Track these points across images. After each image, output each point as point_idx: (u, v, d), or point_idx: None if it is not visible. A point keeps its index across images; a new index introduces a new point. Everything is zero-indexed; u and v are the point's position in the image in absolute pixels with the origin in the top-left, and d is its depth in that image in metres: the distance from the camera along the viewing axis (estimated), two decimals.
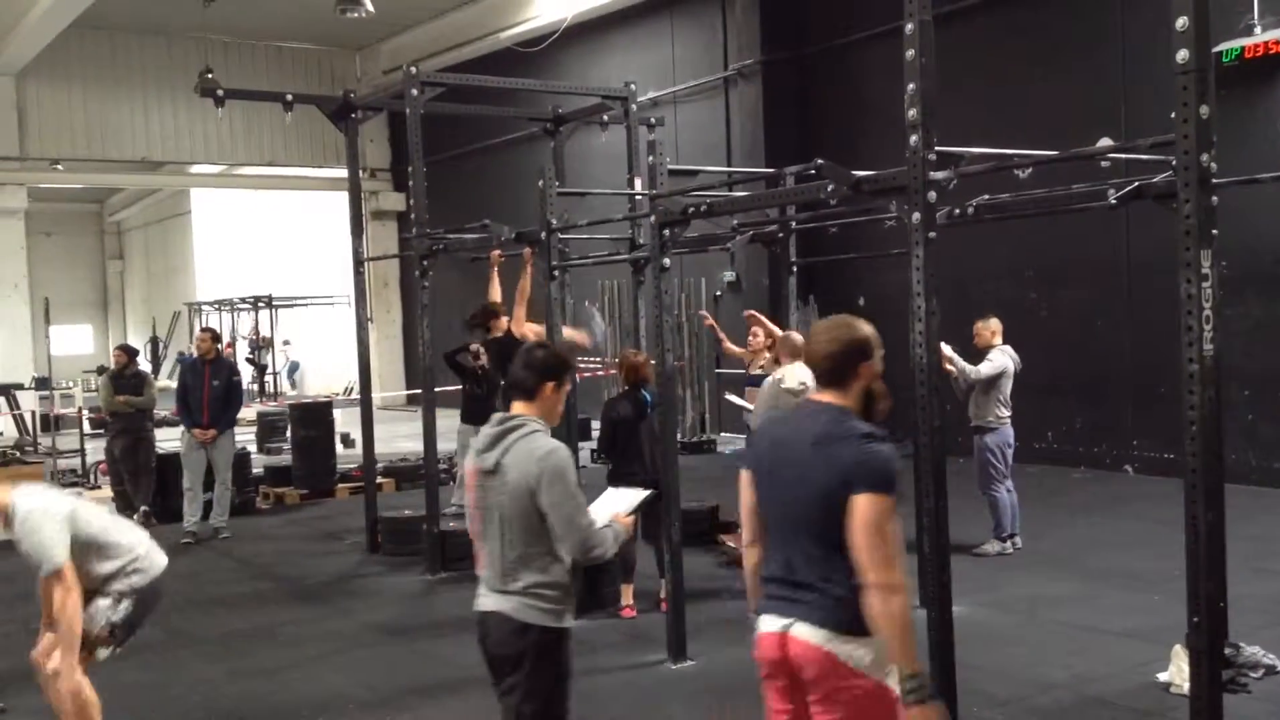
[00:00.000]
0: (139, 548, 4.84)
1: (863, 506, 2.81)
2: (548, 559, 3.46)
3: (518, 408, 3.60)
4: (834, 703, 2.87)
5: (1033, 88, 11.75)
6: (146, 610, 4.85)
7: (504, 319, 8.47)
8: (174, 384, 11.12)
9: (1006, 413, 8.09)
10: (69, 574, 4.50)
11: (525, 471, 3.42)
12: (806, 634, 2.91)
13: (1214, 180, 3.71)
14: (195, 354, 10.69)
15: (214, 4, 18.76)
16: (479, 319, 8.89)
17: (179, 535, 10.20)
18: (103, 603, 4.67)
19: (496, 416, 3.65)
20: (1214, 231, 3.71)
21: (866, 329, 3.09)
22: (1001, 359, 8.02)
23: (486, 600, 3.57)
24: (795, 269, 8.53)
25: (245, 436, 15.79)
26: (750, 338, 8.64)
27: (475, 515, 3.61)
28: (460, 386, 10.11)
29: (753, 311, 8.98)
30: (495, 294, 8.78)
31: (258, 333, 26.07)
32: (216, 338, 10.84)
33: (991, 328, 8.28)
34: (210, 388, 10.05)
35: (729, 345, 9.43)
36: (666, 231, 5.92)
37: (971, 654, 5.26)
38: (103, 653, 4.73)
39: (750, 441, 3.52)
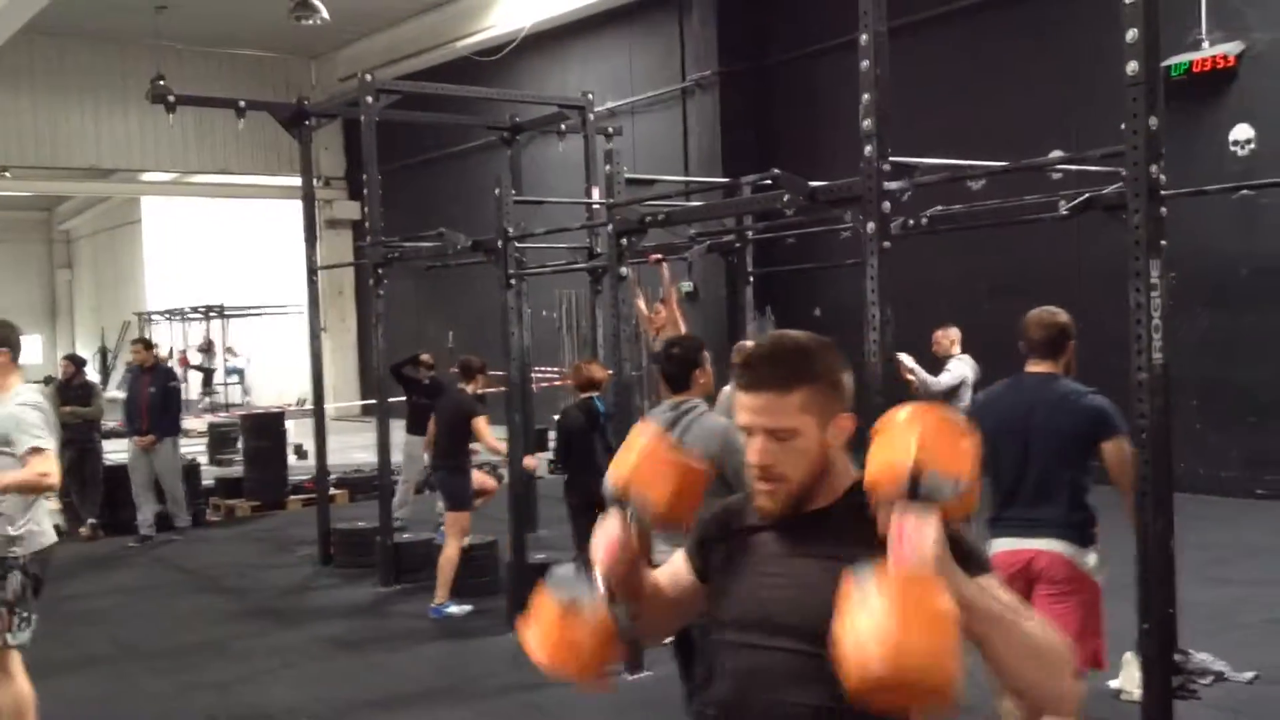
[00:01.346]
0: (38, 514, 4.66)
1: (1116, 448, 3.85)
2: None
3: (678, 397, 4.20)
4: (1068, 596, 3.81)
5: (986, 100, 11.88)
6: (40, 581, 4.61)
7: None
8: (122, 395, 11.12)
9: None
10: (54, 461, 4.42)
11: (707, 446, 3.83)
12: (1058, 548, 3.86)
13: (1163, 191, 3.75)
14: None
15: (166, 10, 18.56)
16: (463, 371, 8.45)
17: (125, 547, 10.11)
18: None
19: (668, 403, 4.25)
20: (1163, 242, 3.75)
21: (1066, 316, 4.18)
22: (961, 368, 8.04)
23: None
24: (752, 279, 8.55)
25: (196, 448, 15.63)
26: (653, 314, 8.75)
27: None
28: (405, 398, 10.02)
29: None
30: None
31: (208, 343, 25.79)
32: (149, 346, 10.96)
33: (951, 336, 8.32)
34: (148, 395, 10.28)
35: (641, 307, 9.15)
36: (624, 240, 5.92)
37: None
38: (17, 636, 4.50)
39: (975, 411, 4.31)
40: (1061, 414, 3.94)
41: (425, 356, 9.90)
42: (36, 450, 4.37)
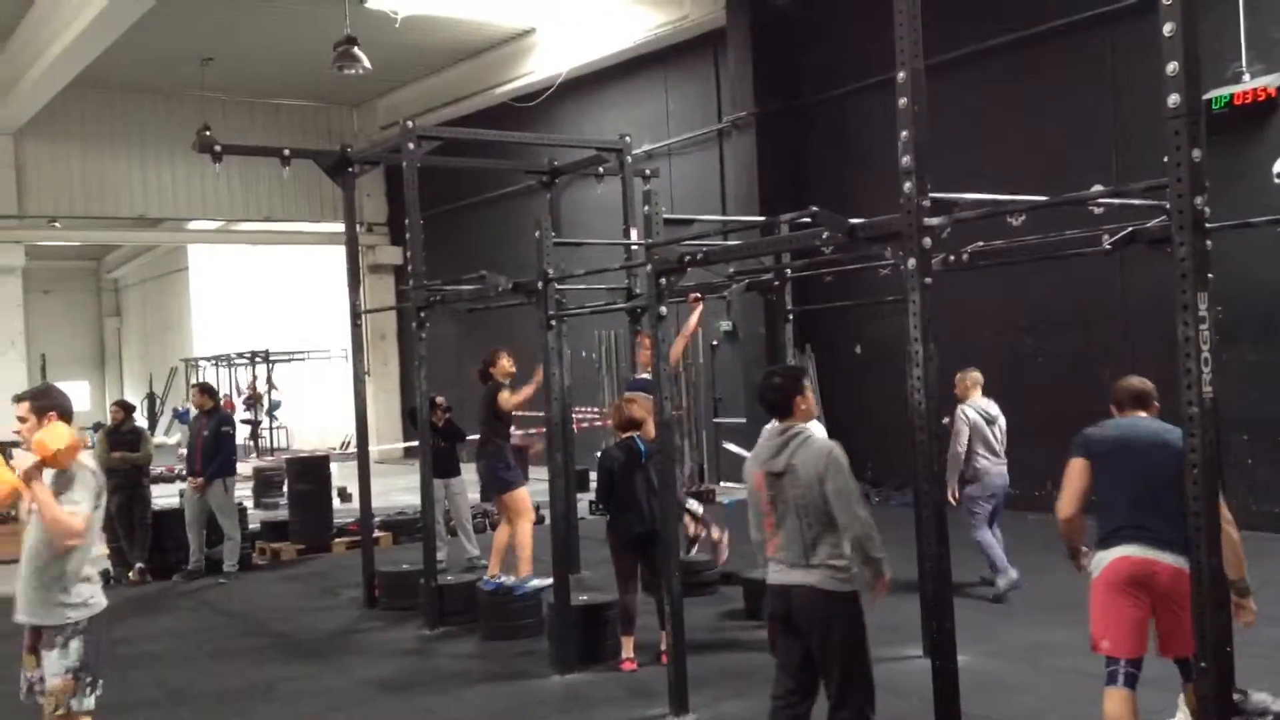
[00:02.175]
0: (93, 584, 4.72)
1: None
2: (837, 537, 4.30)
3: (787, 422, 4.49)
4: (1182, 602, 4.14)
5: (1025, 136, 11.86)
6: (97, 646, 4.66)
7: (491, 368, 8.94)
8: (170, 440, 11.39)
9: (986, 462, 8.22)
10: (85, 520, 4.49)
11: (816, 466, 4.30)
12: (1171, 560, 4.35)
13: (1208, 224, 3.72)
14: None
15: (212, 63, 18.97)
16: (483, 371, 9.05)
17: (175, 590, 10.22)
18: (51, 654, 4.53)
19: (777, 428, 4.52)
20: (1209, 275, 3.72)
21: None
22: (957, 424, 8.18)
23: (791, 574, 4.39)
24: (791, 317, 8.53)
25: (242, 492, 15.76)
26: (641, 349, 8.84)
27: (767, 510, 4.46)
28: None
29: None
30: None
31: (254, 388, 26.04)
32: (205, 390, 11.26)
33: (969, 380, 8.46)
34: (202, 438, 10.61)
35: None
36: (663, 280, 5.94)
37: (975, 704, 5.20)
38: (83, 701, 4.56)
39: (1093, 446, 4.76)
40: (1169, 442, 4.38)
41: (440, 399, 9.97)
42: (81, 515, 4.51)
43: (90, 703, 4.61)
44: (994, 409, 8.35)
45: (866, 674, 4.37)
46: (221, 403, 26.58)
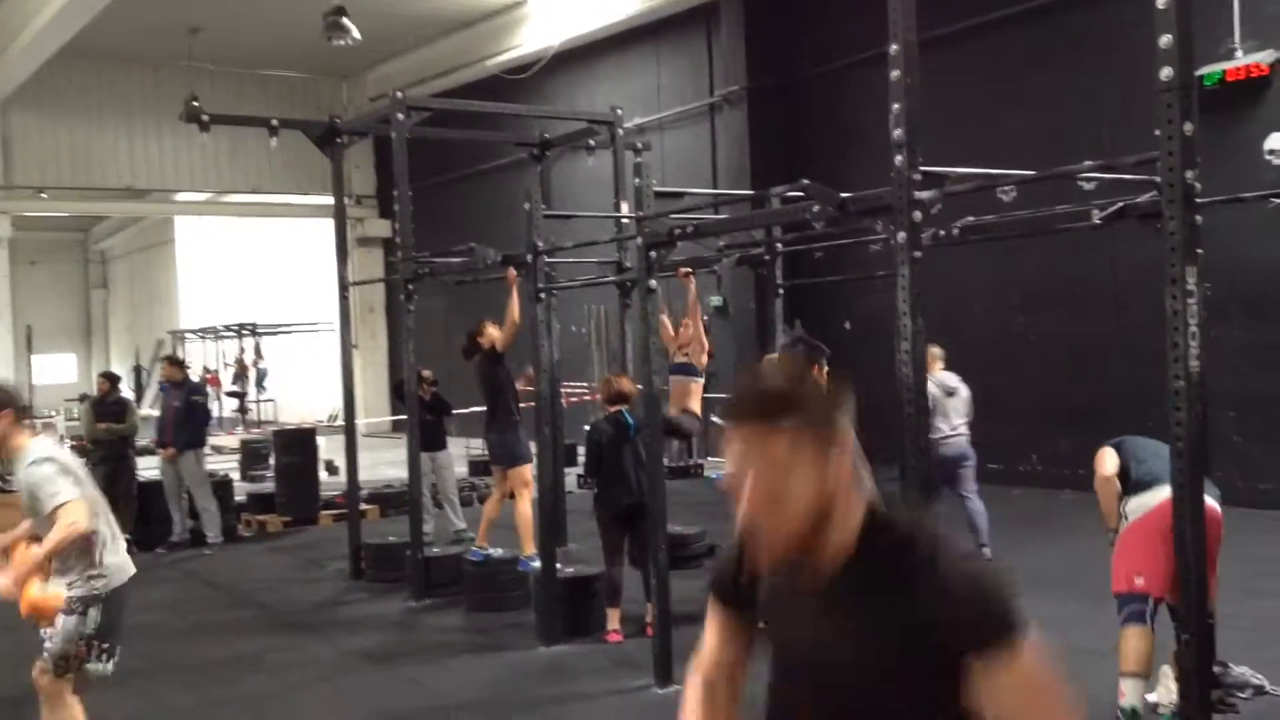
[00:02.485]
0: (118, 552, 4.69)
1: None
2: None
3: None
4: (1212, 545, 4.28)
5: (1016, 112, 11.82)
6: (118, 615, 4.64)
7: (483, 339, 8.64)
8: (155, 412, 11.41)
9: (944, 432, 8.27)
10: (78, 509, 4.36)
11: None
12: (1213, 502, 4.45)
13: (1198, 199, 3.71)
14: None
15: (200, 33, 18.80)
16: (469, 336, 8.92)
17: (157, 554, 10.23)
18: (69, 620, 4.49)
19: None
20: (1199, 250, 3.71)
21: None
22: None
23: None
24: (782, 292, 8.52)
25: (229, 464, 15.73)
26: (681, 328, 8.77)
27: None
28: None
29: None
30: (515, 314, 8.86)
31: (241, 361, 25.95)
32: (175, 363, 11.39)
33: (930, 355, 8.49)
34: (174, 409, 10.66)
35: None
36: (653, 253, 5.91)
37: None
38: (95, 667, 4.55)
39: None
40: None
41: (426, 373, 9.93)
42: (59, 507, 4.36)
43: (107, 667, 4.61)
44: (954, 381, 8.45)
45: None
46: (205, 376, 26.57)
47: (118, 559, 4.67)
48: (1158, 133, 3.67)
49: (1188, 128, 3.61)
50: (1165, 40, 3.61)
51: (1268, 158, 9.78)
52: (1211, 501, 4.54)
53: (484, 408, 8.83)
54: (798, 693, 1.82)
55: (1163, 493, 4.54)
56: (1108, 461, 5.01)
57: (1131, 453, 4.97)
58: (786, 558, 1.74)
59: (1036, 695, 1.65)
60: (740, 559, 1.90)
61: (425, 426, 9.51)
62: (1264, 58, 9.78)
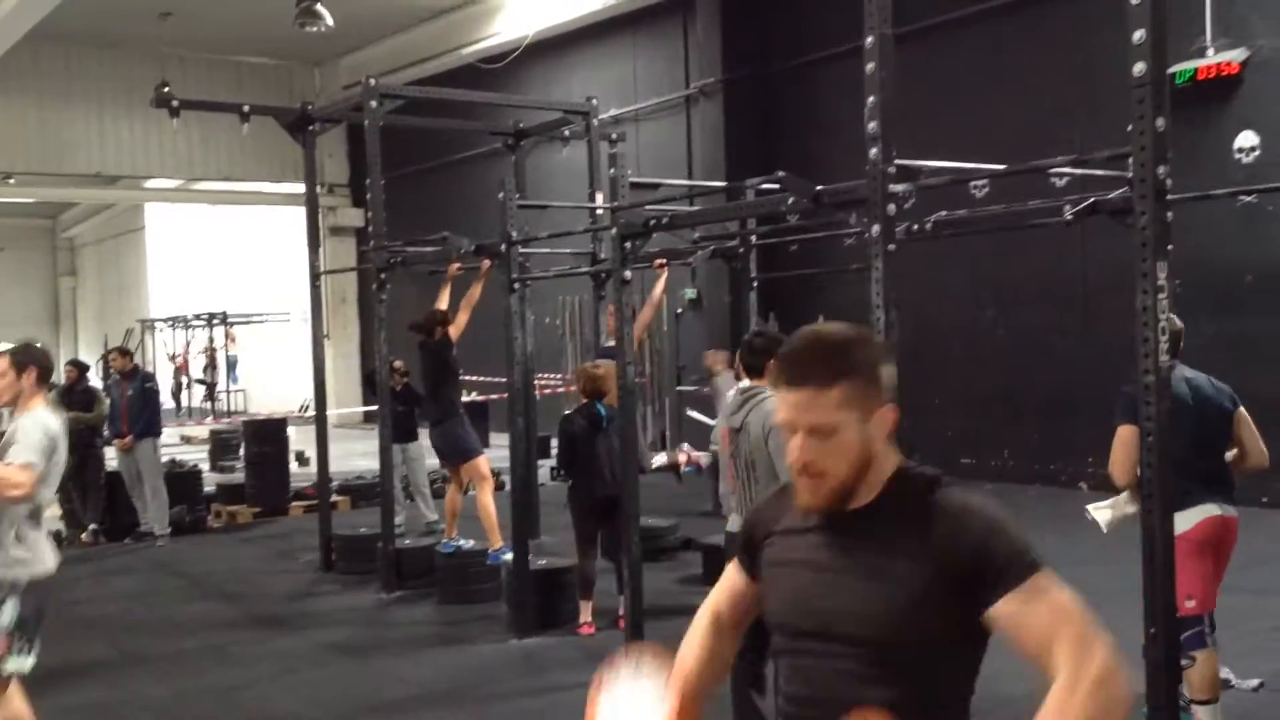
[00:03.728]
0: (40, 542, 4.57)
1: (1243, 415, 4.79)
2: None
3: (756, 383, 4.63)
4: (1230, 553, 4.69)
5: (990, 108, 11.87)
6: (40, 608, 4.51)
7: (445, 326, 8.56)
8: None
9: None
10: (30, 478, 4.33)
11: (763, 424, 4.40)
12: (1235, 513, 4.67)
13: (1169, 196, 3.73)
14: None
15: (171, 18, 18.58)
16: (424, 325, 8.83)
17: (128, 552, 10.13)
18: None
19: (741, 387, 4.74)
20: (1169, 246, 3.73)
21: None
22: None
23: (737, 524, 4.49)
24: (756, 284, 8.53)
25: (198, 454, 15.61)
26: (609, 316, 8.87)
27: (729, 464, 4.73)
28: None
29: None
30: (444, 304, 8.83)
31: (211, 350, 25.76)
32: (125, 353, 11.31)
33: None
34: (127, 399, 10.48)
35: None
36: (628, 244, 5.90)
37: None
38: (12, 662, 4.41)
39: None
40: (1213, 391, 4.77)
41: (398, 364, 9.87)
42: (20, 464, 4.32)
43: (25, 663, 4.46)
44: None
45: None
46: (175, 360, 26.28)
47: (36, 553, 4.54)
48: (1130, 128, 3.68)
49: (1160, 123, 3.63)
50: (1138, 35, 3.62)
51: (1237, 156, 9.86)
52: (1232, 512, 4.63)
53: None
54: (810, 638, 1.90)
55: (1204, 510, 4.55)
56: (1126, 468, 4.61)
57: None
58: (829, 506, 1.90)
59: (1067, 619, 1.79)
60: (769, 512, 2.06)
61: (397, 417, 9.46)
62: (1235, 56, 9.85)
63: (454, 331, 8.46)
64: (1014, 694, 5.45)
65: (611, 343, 8.59)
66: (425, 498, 10.39)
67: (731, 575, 2.14)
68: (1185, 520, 4.48)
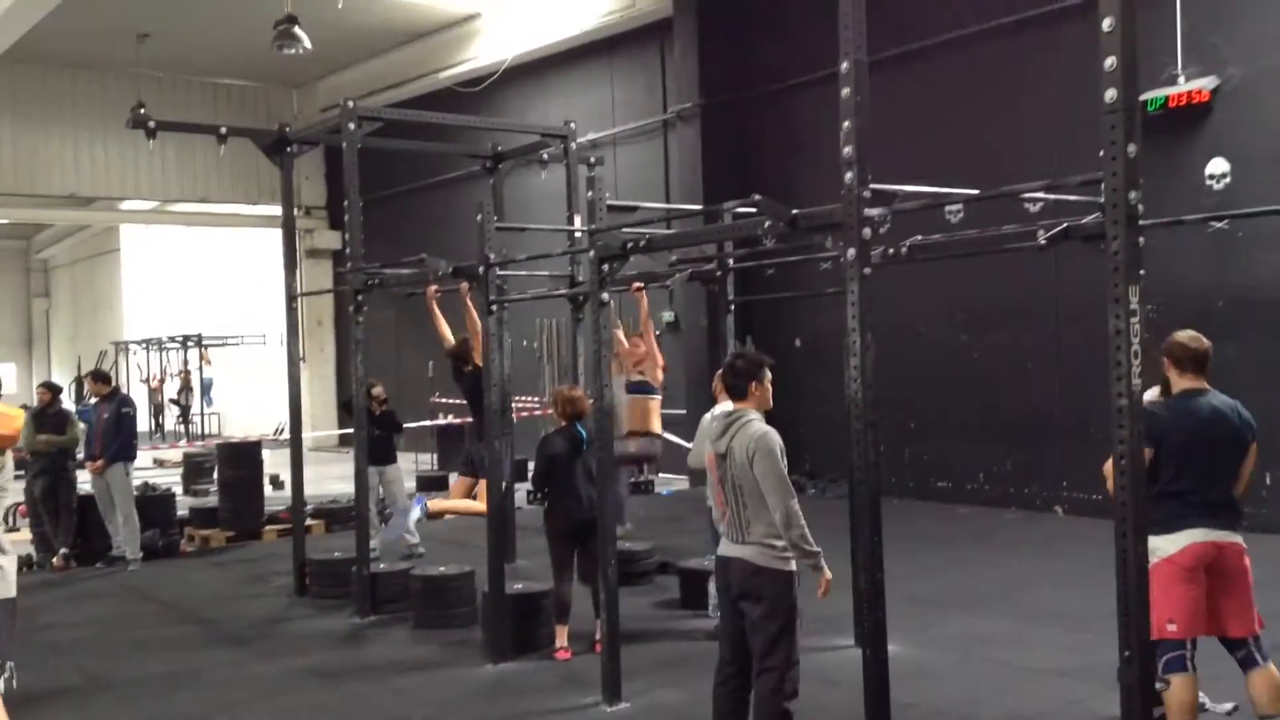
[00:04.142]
0: None
1: (1254, 449, 4.67)
2: (771, 517, 4.44)
3: (739, 405, 4.63)
4: (1243, 578, 4.56)
5: (966, 135, 11.97)
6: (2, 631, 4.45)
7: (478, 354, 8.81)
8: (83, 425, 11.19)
9: None
10: None
11: (748, 448, 4.44)
12: (1237, 539, 4.57)
13: (1141, 221, 3.76)
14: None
15: (149, 39, 18.56)
16: (461, 354, 9.09)
17: (100, 576, 10.02)
18: None
19: (724, 410, 4.73)
20: (1141, 270, 3.76)
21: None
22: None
23: (731, 548, 4.58)
24: (733, 308, 8.55)
25: (171, 478, 15.48)
26: (631, 345, 8.97)
27: (717, 489, 4.66)
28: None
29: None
30: (443, 328, 8.95)
31: (186, 373, 25.59)
32: (100, 377, 11.09)
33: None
34: (102, 421, 10.39)
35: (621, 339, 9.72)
36: (606, 267, 5.90)
37: (905, 693, 5.24)
38: None
39: (1162, 422, 4.52)
40: (1238, 421, 4.63)
41: (377, 390, 9.90)
42: None
43: None
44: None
45: (790, 650, 4.47)
46: (150, 380, 26.02)
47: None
48: (1102, 154, 3.72)
49: (1131, 149, 3.66)
50: (1110, 63, 3.66)
51: (1209, 183, 9.98)
52: (1231, 538, 4.56)
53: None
54: None
55: (1191, 535, 4.49)
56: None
57: (1163, 457, 4.53)
58: None
59: None
60: None
61: (375, 441, 9.44)
62: (1206, 84, 9.98)
63: (478, 358, 8.70)
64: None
65: (638, 376, 8.80)
66: (407, 521, 10.29)
67: None
68: (1172, 543, 4.50)
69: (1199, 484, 4.53)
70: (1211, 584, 4.52)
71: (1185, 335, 4.77)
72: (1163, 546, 4.49)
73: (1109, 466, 4.51)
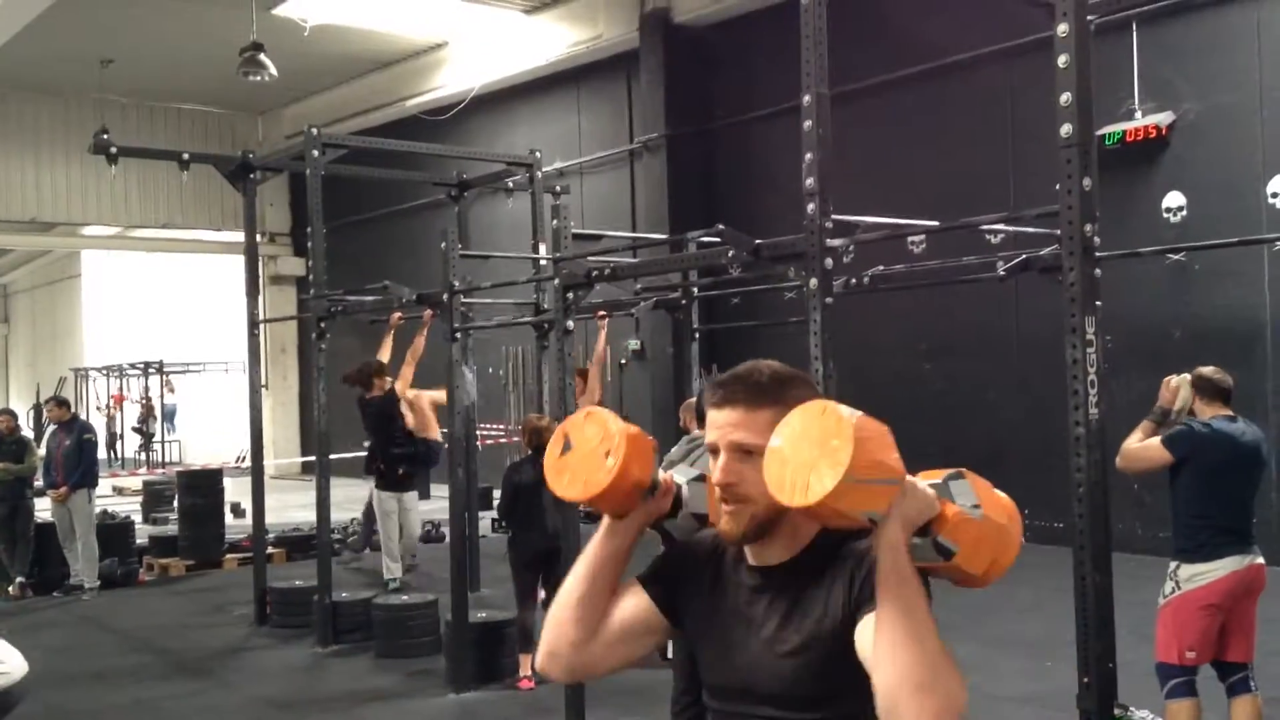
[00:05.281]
0: None
1: None
2: None
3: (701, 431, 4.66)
4: (1254, 601, 4.70)
5: (926, 166, 12.12)
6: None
7: (385, 379, 8.66)
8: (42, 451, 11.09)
9: None
10: None
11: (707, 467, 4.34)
12: (1261, 561, 4.70)
13: (1097, 253, 3.84)
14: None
15: (112, 64, 18.45)
16: (359, 378, 8.99)
17: (57, 606, 9.87)
18: None
19: (686, 438, 4.93)
20: (1098, 301, 3.83)
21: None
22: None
23: None
24: (698, 335, 8.60)
25: (131, 505, 15.29)
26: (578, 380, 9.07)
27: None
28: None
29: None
30: (385, 355, 8.91)
31: (147, 400, 25.32)
32: (62, 403, 11.14)
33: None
34: (63, 449, 10.30)
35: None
36: (570, 294, 5.93)
37: None
38: None
39: (1201, 439, 4.72)
40: (1265, 450, 4.84)
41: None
42: None
43: None
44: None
45: None
46: (110, 399, 25.75)
47: (12, 660, 4.45)
48: (1058, 187, 3.79)
49: (1086, 183, 3.74)
50: (1065, 98, 3.74)
51: (1166, 215, 10.15)
52: (1258, 559, 4.69)
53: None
54: (735, 698, 1.87)
55: (1236, 561, 4.61)
56: (1140, 461, 4.97)
57: (1191, 481, 4.72)
58: (749, 537, 1.84)
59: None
60: (689, 557, 1.99)
61: (399, 465, 9.59)
62: (1162, 119, 10.17)
63: (400, 385, 8.56)
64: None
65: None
66: (392, 554, 9.96)
67: (628, 602, 1.96)
68: (1215, 570, 4.63)
69: (1232, 506, 4.66)
70: (1231, 608, 4.64)
71: (1209, 370, 5.00)
72: (1205, 572, 4.61)
73: (1128, 444, 4.88)
